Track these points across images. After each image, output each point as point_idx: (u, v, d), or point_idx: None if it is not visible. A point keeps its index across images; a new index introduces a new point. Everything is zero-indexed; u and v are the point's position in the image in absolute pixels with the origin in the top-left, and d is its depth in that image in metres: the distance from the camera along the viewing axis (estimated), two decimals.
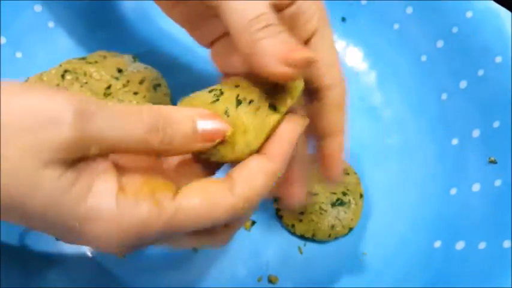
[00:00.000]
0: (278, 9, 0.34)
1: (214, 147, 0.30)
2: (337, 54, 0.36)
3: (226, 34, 0.37)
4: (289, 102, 0.32)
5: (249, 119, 0.30)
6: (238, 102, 0.31)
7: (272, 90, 0.32)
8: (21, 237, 0.43)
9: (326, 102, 0.35)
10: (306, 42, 0.35)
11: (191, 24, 0.39)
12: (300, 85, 0.32)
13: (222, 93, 0.32)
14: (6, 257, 0.40)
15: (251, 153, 0.31)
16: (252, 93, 0.31)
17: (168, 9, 0.38)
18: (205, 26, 0.38)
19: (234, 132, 0.30)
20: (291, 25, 0.35)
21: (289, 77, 0.29)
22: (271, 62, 0.29)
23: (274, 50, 0.29)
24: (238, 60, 0.37)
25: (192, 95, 0.34)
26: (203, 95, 0.32)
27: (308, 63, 0.29)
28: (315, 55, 0.29)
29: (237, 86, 0.32)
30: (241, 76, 0.33)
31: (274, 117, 0.31)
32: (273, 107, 0.31)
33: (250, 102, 0.31)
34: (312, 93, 0.36)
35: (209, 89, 0.33)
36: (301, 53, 0.29)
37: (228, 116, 0.30)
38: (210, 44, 0.39)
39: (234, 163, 0.33)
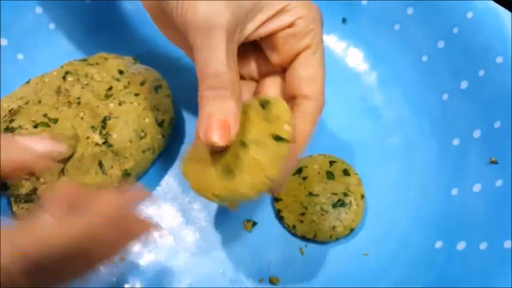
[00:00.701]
0: (276, 31, 0.37)
1: (234, 191, 0.33)
2: (323, 74, 0.38)
3: None
4: (288, 127, 0.34)
5: (263, 156, 0.33)
6: (245, 146, 0.34)
7: (266, 123, 0.34)
8: None
9: (298, 109, 0.37)
10: (297, 55, 0.37)
11: (187, 48, 0.40)
12: (283, 105, 0.34)
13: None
14: None
15: (271, 184, 0.33)
16: (252, 133, 0.34)
17: (166, 34, 0.41)
18: None
19: (252, 173, 0.33)
20: (286, 41, 0.37)
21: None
22: (200, 126, 0.33)
23: (205, 117, 0.33)
24: None
25: (190, 149, 0.37)
26: (206, 150, 0.35)
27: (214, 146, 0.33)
28: (221, 143, 0.32)
29: None
30: None
31: (283, 147, 0.33)
32: (277, 138, 0.33)
33: (255, 141, 0.33)
34: (289, 101, 0.37)
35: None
36: (213, 136, 0.32)
37: (241, 159, 0.33)
38: None
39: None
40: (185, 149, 0.38)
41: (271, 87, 0.40)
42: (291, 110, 0.35)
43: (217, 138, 0.32)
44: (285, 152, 0.33)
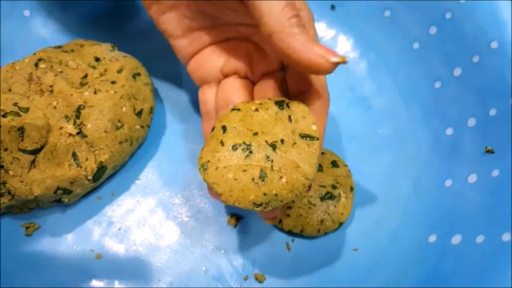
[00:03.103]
0: None
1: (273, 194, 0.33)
2: None
3: (202, 49, 0.42)
4: (315, 127, 0.34)
5: (294, 155, 0.33)
6: (273, 147, 0.34)
7: (290, 123, 0.34)
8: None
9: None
10: None
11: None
12: (304, 106, 0.35)
13: (249, 145, 0.34)
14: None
15: (310, 184, 0.33)
16: (275, 132, 0.34)
17: (158, 16, 0.41)
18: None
19: (290, 174, 0.33)
20: None
21: (325, 68, 0.32)
22: (310, 52, 0.32)
23: (308, 42, 0.32)
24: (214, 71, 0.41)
25: (207, 155, 0.35)
26: (230, 155, 0.34)
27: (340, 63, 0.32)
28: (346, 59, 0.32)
29: (250, 130, 0.34)
30: (231, 111, 0.37)
31: (315, 145, 0.33)
32: (304, 136, 0.34)
33: (282, 141, 0.33)
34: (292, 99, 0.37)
35: (229, 145, 0.34)
36: (340, 57, 0.32)
37: (272, 161, 0.33)
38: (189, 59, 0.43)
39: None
40: (198, 153, 0.37)
41: (272, 87, 0.39)
42: None
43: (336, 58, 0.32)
44: (318, 150, 0.33)
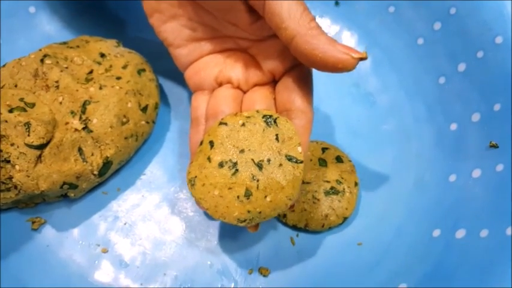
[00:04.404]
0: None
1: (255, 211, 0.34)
2: (312, 88, 0.39)
3: (200, 58, 0.43)
4: (300, 149, 0.35)
5: (280, 176, 0.34)
6: (259, 167, 0.34)
7: (277, 142, 0.35)
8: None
9: (294, 124, 0.37)
10: (291, 67, 0.39)
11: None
12: (291, 126, 0.36)
13: (235, 163, 0.35)
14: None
15: (292, 203, 0.35)
16: (262, 151, 0.35)
17: (159, 25, 0.42)
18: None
19: (274, 194, 0.34)
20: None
21: (350, 63, 0.32)
22: (335, 51, 0.33)
23: (331, 42, 0.33)
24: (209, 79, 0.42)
25: (195, 170, 0.36)
26: (216, 172, 0.35)
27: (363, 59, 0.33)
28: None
29: (236, 147, 0.35)
30: (218, 125, 0.37)
31: (299, 167, 0.34)
32: (290, 158, 0.34)
33: (269, 161, 0.34)
34: (280, 112, 0.39)
35: (216, 161, 0.35)
36: (362, 53, 0.33)
37: (258, 180, 0.34)
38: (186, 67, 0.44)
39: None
40: (187, 168, 0.38)
41: (261, 98, 0.40)
42: None
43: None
44: (302, 173, 0.34)
